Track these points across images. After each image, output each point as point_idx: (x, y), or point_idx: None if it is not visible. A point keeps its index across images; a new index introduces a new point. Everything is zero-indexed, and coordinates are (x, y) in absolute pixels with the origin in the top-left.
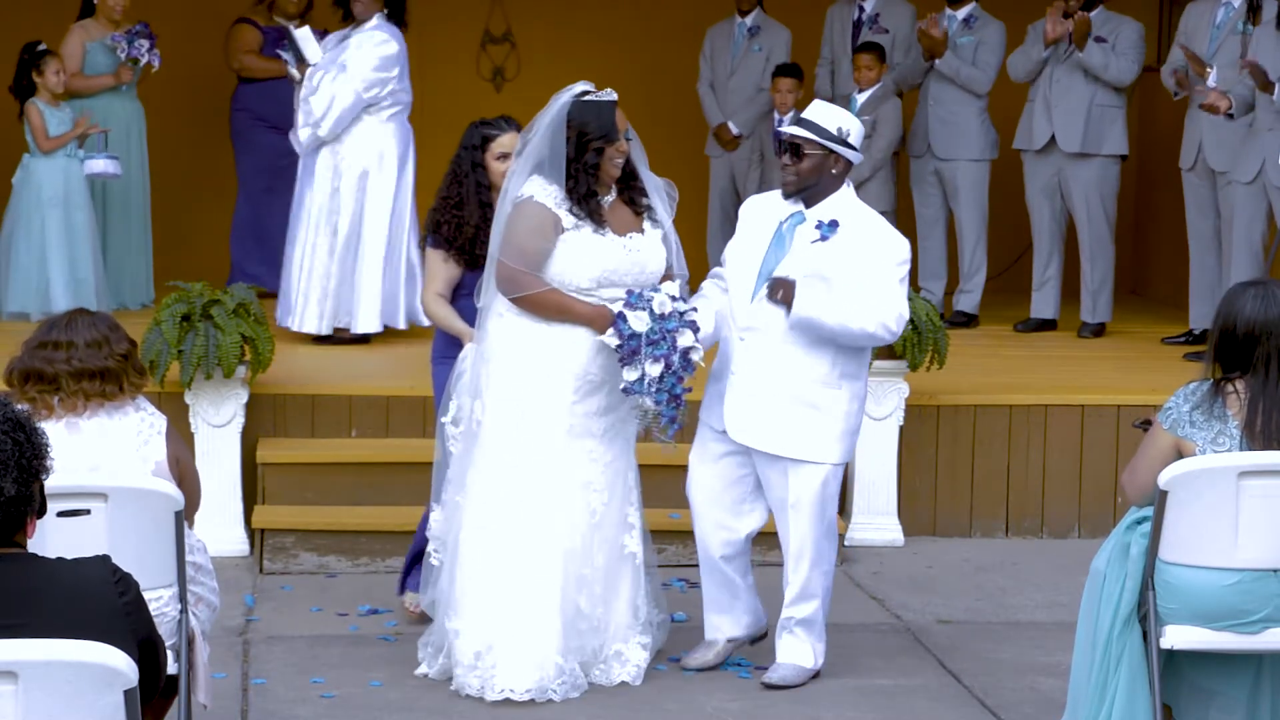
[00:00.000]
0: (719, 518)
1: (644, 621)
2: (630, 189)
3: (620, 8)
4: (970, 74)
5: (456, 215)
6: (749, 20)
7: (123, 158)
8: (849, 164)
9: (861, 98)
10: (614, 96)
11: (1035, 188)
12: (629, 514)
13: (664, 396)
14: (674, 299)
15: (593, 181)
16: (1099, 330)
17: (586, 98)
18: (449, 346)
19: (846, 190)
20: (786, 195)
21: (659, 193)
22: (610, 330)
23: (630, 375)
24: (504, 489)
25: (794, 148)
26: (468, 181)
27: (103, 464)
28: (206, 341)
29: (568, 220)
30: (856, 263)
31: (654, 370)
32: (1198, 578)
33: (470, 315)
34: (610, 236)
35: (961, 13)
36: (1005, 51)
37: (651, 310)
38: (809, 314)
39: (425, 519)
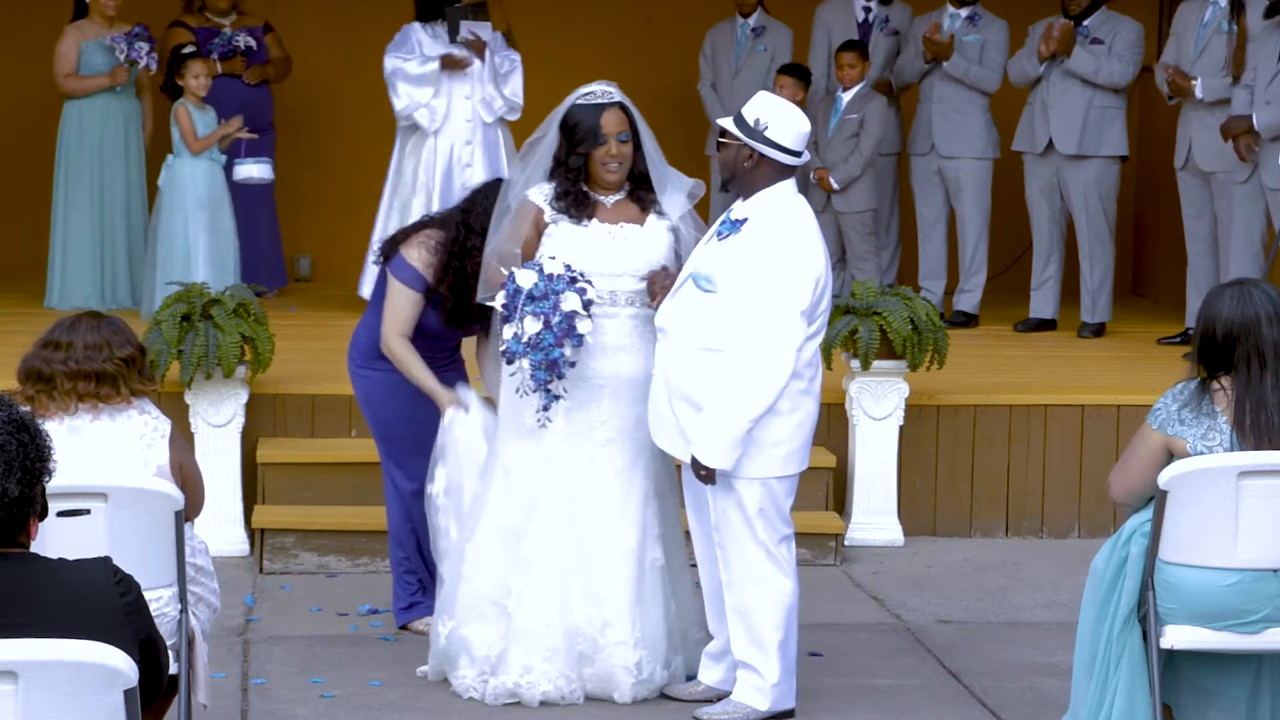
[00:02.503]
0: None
1: (675, 636)
2: (639, 188)
3: (620, 8)
4: (980, 73)
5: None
6: (752, 20)
7: (123, 156)
8: (771, 162)
9: (847, 96)
10: (606, 99)
11: (1035, 187)
12: (649, 522)
13: (539, 357)
14: (569, 268)
15: (577, 184)
16: (1099, 330)
17: (581, 100)
18: (376, 356)
19: (780, 189)
20: (721, 187)
21: (679, 192)
22: (500, 293)
23: (507, 332)
24: (507, 502)
25: (719, 139)
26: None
27: (103, 465)
28: (206, 341)
29: (549, 214)
30: (746, 269)
31: (531, 326)
32: (1198, 578)
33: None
34: (593, 225)
35: (965, 11)
36: (1010, 49)
37: (540, 269)
38: (726, 451)
39: (395, 546)
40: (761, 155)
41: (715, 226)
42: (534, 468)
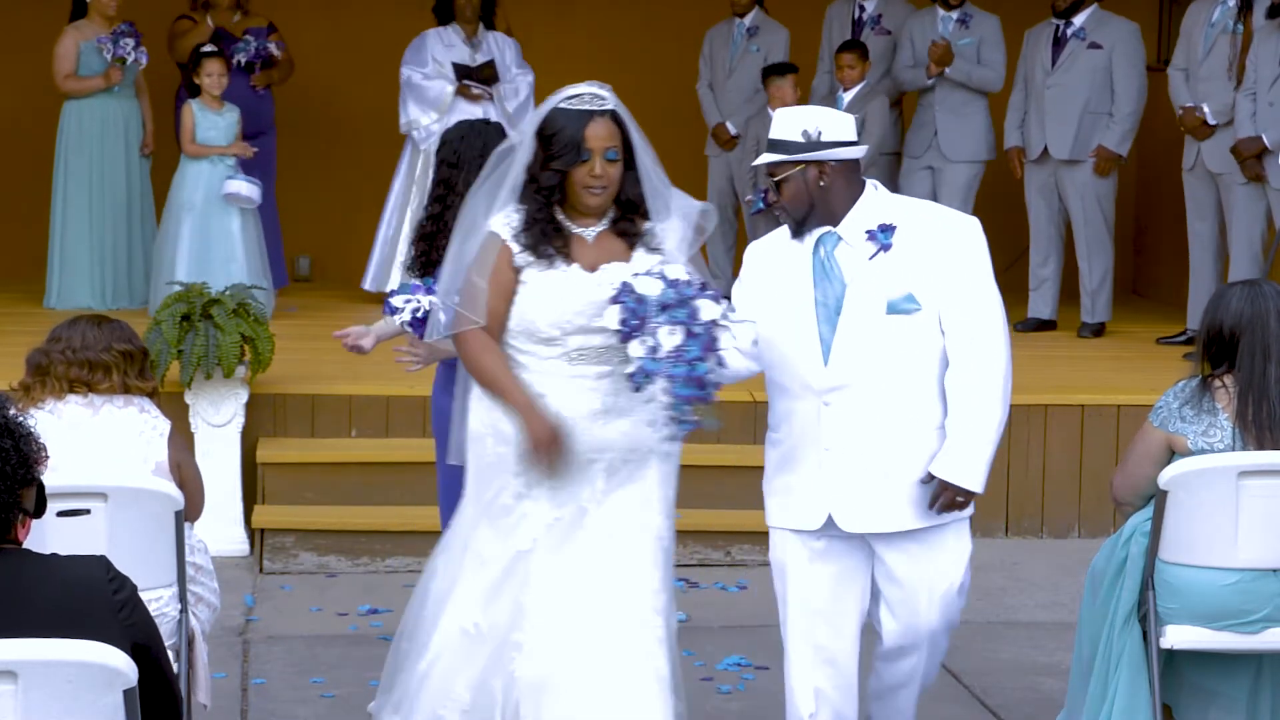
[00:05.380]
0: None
1: None
2: (625, 219)
3: (620, 8)
4: (982, 75)
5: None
6: (747, 20)
7: (122, 157)
8: (848, 163)
9: (848, 96)
10: (595, 105)
11: (1033, 189)
12: (648, 622)
13: (682, 371)
14: (690, 273)
15: (548, 209)
16: (1099, 330)
17: (565, 103)
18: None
19: (873, 191)
20: (794, 234)
21: (682, 220)
22: (612, 309)
23: (637, 350)
24: (476, 597)
25: (770, 179)
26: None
27: (101, 461)
28: (206, 341)
29: (517, 253)
30: (933, 266)
31: (670, 340)
32: (1197, 577)
33: None
34: (572, 271)
35: (956, 13)
36: (1006, 45)
37: (664, 276)
38: (984, 471)
39: None
40: (835, 164)
41: (825, 258)
42: (507, 561)
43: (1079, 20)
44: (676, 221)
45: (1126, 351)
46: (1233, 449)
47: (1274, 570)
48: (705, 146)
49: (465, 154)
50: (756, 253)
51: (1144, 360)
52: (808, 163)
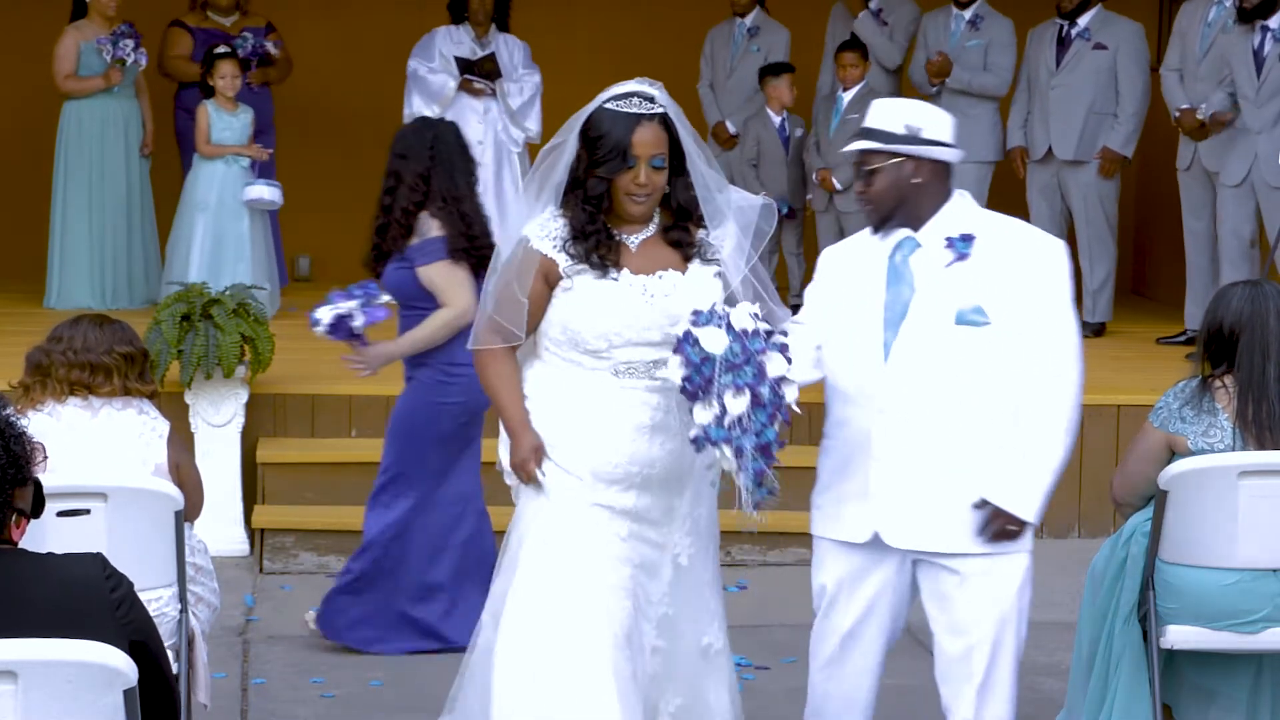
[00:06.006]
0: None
1: None
2: (678, 227)
3: (621, 8)
4: (984, 81)
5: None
6: (748, 20)
7: (122, 157)
8: (941, 165)
9: (848, 96)
10: (644, 110)
11: (1035, 189)
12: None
13: (750, 443)
14: (755, 317)
15: (597, 219)
16: (1099, 330)
17: (612, 104)
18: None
19: (960, 199)
20: (875, 229)
21: (737, 224)
22: (675, 359)
23: (703, 415)
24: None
25: (860, 169)
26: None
27: (101, 462)
28: (206, 341)
29: (565, 264)
30: (1010, 283)
31: (737, 405)
32: (1197, 577)
33: None
34: (623, 279)
35: (968, 13)
36: (1017, 48)
37: (730, 326)
38: (1042, 502)
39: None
40: (930, 163)
41: (900, 261)
42: (546, 568)
43: (1083, 21)
44: (732, 227)
45: (1126, 351)
46: (1233, 449)
47: (1274, 570)
48: None
49: (416, 146)
50: (832, 256)
51: (1144, 360)
52: (905, 156)
